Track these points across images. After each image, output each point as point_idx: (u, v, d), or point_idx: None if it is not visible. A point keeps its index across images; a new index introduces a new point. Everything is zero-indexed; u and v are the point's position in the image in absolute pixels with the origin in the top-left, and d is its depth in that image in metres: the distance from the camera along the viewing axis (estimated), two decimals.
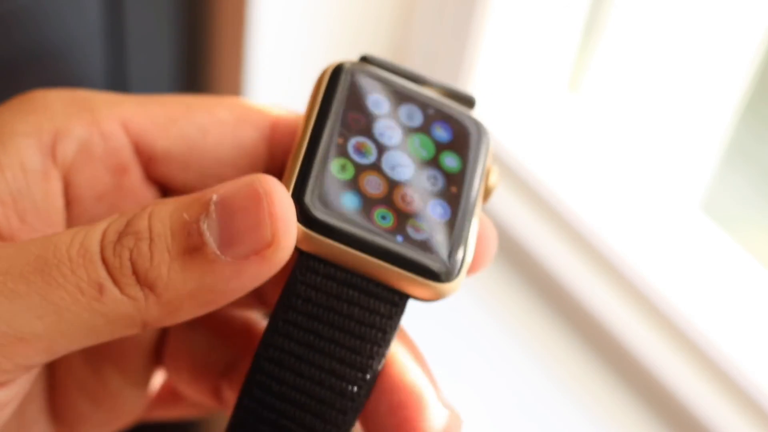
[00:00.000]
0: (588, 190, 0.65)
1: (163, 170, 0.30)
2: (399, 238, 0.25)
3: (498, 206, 0.67)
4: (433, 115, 0.27)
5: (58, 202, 0.29)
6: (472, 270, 0.28)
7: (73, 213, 0.29)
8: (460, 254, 0.26)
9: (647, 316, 0.61)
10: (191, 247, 0.24)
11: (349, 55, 0.69)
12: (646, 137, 0.66)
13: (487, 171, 0.28)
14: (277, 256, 0.24)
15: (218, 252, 0.24)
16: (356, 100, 0.27)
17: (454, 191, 0.26)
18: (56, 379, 0.30)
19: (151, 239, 0.24)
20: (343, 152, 0.27)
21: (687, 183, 0.65)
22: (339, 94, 0.28)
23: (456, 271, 0.26)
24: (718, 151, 0.63)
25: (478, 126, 0.28)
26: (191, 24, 0.66)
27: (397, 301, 0.26)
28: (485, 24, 0.64)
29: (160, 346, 0.33)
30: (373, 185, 0.26)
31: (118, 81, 0.64)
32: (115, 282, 0.24)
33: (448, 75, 0.68)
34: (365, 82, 0.28)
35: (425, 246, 0.26)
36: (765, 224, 0.65)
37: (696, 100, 0.63)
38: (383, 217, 0.26)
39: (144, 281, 0.24)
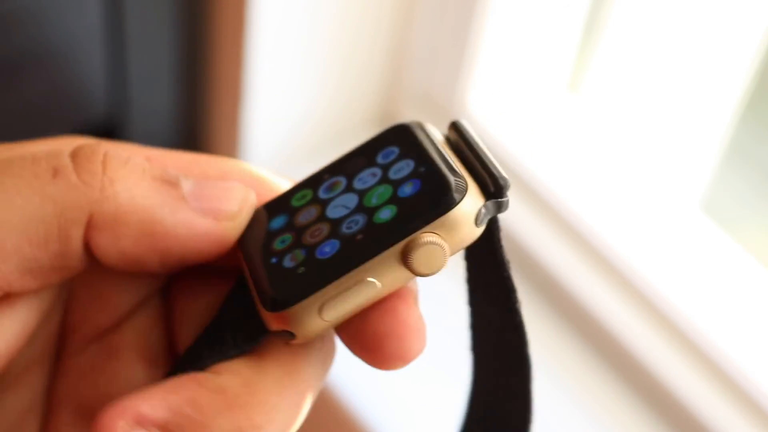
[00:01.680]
0: (588, 190, 0.65)
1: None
2: (273, 260, 0.25)
3: None
4: (418, 173, 0.25)
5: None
6: (378, 362, 0.25)
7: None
8: (297, 291, 0.24)
9: (647, 315, 0.61)
10: (166, 179, 0.24)
11: (350, 56, 0.69)
12: (646, 137, 0.66)
13: (417, 242, 0.24)
14: (230, 225, 0.25)
15: (186, 194, 0.24)
16: (376, 148, 0.27)
17: (357, 239, 0.25)
18: (56, 396, 0.29)
19: (130, 155, 0.24)
20: (317, 184, 0.27)
21: (687, 183, 0.65)
22: (372, 142, 0.28)
23: (281, 304, 0.24)
24: (718, 151, 0.63)
25: (450, 192, 0.24)
26: (191, 24, 0.66)
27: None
28: (485, 24, 0.64)
29: (172, 336, 0.31)
30: (305, 215, 0.26)
31: (118, 81, 0.64)
32: (76, 166, 0.23)
33: (448, 75, 0.68)
34: (408, 138, 0.27)
35: (282, 274, 0.25)
36: (765, 224, 0.65)
37: (696, 100, 0.63)
38: (282, 241, 0.26)
39: (109, 173, 0.24)
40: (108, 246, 0.24)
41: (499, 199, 0.25)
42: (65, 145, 0.25)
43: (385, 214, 0.25)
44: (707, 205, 0.64)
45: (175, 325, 0.28)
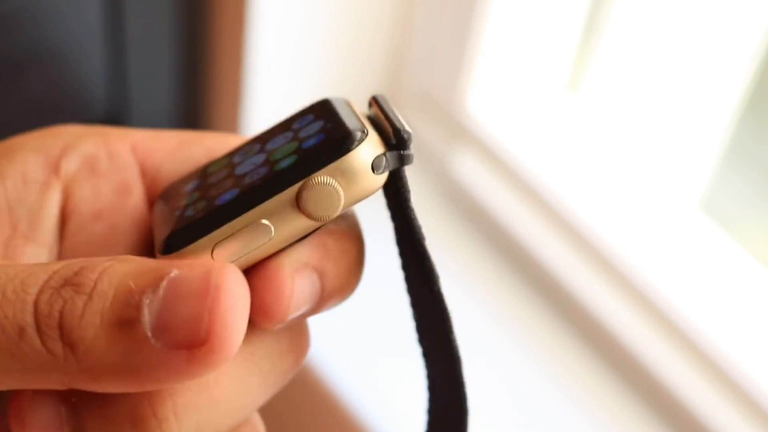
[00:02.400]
0: (588, 190, 0.65)
1: None
2: (176, 213, 0.26)
3: (498, 206, 0.67)
4: (324, 128, 0.25)
5: (53, 212, 0.28)
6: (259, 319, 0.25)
7: (70, 228, 0.28)
8: (189, 234, 0.25)
9: (647, 315, 0.61)
10: (125, 319, 0.22)
11: (350, 56, 0.69)
12: (646, 137, 0.66)
13: (309, 183, 0.24)
14: (209, 359, 0.22)
15: (149, 334, 0.22)
16: (295, 118, 0.27)
17: (255, 184, 0.25)
18: None
19: (90, 297, 0.22)
20: (234, 153, 0.28)
21: (687, 183, 0.65)
22: (294, 114, 0.28)
23: (172, 247, 0.25)
24: (718, 151, 0.63)
25: (346, 138, 0.24)
26: (191, 24, 0.66)
27: None
28: (485, 24, 0.64)
29: None
30: (216, 176, 0.27)
31: (118, 81, 0.64)
32: (39, 330, 0.22)
33: (448, 75, 0.68)
34: (326, 107, 0.27)
35: (180, 222, 0.25)
36: (765, 224, 0.65)
37: (696, 100, 0.63)
38: (190, 198, 0.26)
39: (67, 339, 0.22)
40: (93, 389, 0.23)
41: (401, 151, 0.25)
42: (35, 274, 0.23)
43: (285, 162, 0.25)
44: (707, 205, 0.64)
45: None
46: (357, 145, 0.24)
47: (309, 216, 0.24)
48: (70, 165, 0.28)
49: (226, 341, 0.22)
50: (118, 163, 0.29)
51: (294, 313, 0.25)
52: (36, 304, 0.22)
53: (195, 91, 0.70)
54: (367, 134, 0.25)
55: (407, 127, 0.25)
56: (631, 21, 0.64)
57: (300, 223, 0.25)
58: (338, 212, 0.24)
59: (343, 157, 0.24)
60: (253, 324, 0.25)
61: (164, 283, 0.22)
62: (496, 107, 0.69)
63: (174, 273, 0.22)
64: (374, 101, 0.27)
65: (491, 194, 0.68)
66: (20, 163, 0.28)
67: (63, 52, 0.60)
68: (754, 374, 0.57)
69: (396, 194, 0.26)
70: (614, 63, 0.66)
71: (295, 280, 0.25)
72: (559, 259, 0.65)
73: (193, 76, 0.69)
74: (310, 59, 0.67)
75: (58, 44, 0.60)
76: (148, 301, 0.22)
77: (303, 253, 0.26)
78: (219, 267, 0.22)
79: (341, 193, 0.24)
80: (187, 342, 0.22)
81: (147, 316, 0.22)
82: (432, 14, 0.67)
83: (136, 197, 0.29)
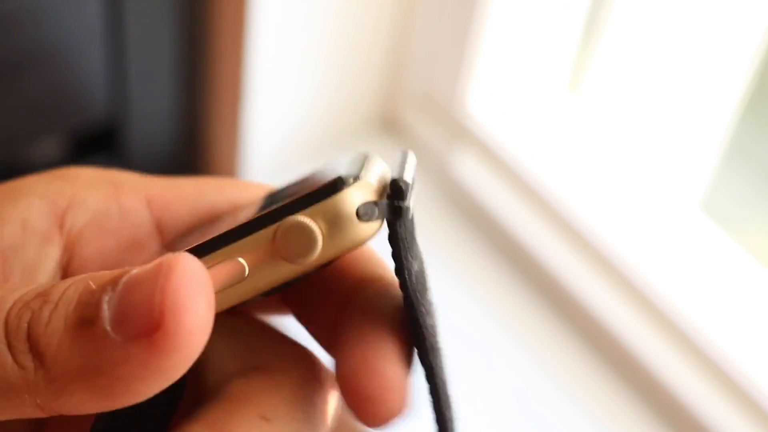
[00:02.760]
0: (588, 190, 0.65)
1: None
2: (170, 249, 0.26)
3: (498, 206, 0.67)
4: (326, 177, 0.24)
5: (50, 268, 0.27)
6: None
7: None
8: None
9: (647, 315, 0.61)
10: (85, 319, 0.21)
11: (350, 56, 0.69)
12: (646, 137, 0.66)
13: (287, 222, 0.23)
14: (167, 342, 0.20)
15: (108, 328, 0.21)
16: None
17: (241, 223, 0.24)
18: None
19: (56, 304, 0.22)
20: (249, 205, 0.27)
21: (687, 183, 0.65)
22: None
23: None
24: (718, 151, 0.63)
25: (334, 182, 0.23)
26: (191, 24, 0.66)
27: None
28: (485, 24, 0.64)
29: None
30: (220, 221, 0.26)
31: (118, 81, 0.64)
32: (9, 345, 0.21)
33: (448, 75, 0.68)
34: (349, 159, 0.26)
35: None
36: (765, 224, 0.65)
37: (696, 100, 0.63)
38: (188, 238, 0.26)
39: (35, 349, 0.21)
40: (70, 411, 0.22)
41: (395, 202, 0.23)
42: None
43: (274, 206, 0.24)
44: (707, 205, 0.64)
45: None
46: (343, 189, 0.23)
47: (284, 257, 0.23)
48: (76, 220, 0.27)
49: (182, 321, 0.21)
50: (130, 219, 0.27)
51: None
52: (7, 319, 0.22)
53: (195, 91, 0.70)
54: (356, 179, 0.23)
55: (407, 178, 0.23)
56: (631, 21, 0.64)
57: (275, 266, 0.23)
58: (315, 256, 0.23)
59: (326, 200, 0.23)
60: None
61: (123, 279, 0.21)
62: (496, 107, 0.69)
63: (134, 271, 0.22)
64: (401, 156, 0.25)
65: (491, 194, 0.68)
66: (23, 208, 0.26)
67: (63, 52, 0.60)
68: (754, 374, 0.57)
69: (392, 248, 0.23)
70: (614, 63, 0.66)
71: (392, 369, 0.24)
72: (559, 259, 0.65)
73: (193, 76, 0.69)
74: (310, 59, 0.67)
75: (58, 44, 0.60)
76: (107, 298, 0.21)
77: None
78: (174, 254, 0.21)
79: (318, 235, 0.23)
80: (144, 328, 0.21)
81: (106, 312, 0.21)
82: (432, 14, 0.67)
83: (149, 253, 0.28)
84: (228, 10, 0.63)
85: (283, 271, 0.23)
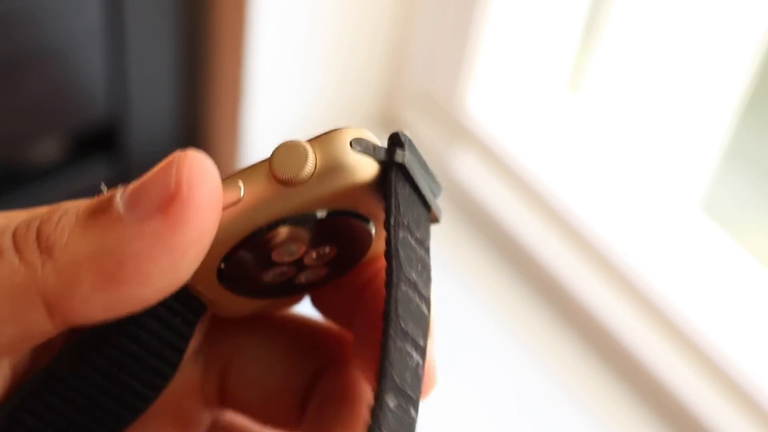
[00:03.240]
0: (588, 190, 0.65)
1: None
2: None
3: (497, 205, 0.67)
4: None
5: None
6: None
7: None
8: None
9: (647, 315, 0.61)
10: (98, 209, 0.22)
11: (350, 56, 0.69)
12: (646, 137, 0.66)
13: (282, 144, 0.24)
14: (181, 212, 0.21)
15: (122, 212, 0.22)
16: None
17: None
18: None
19: (65, 211, 0.22)
20: None
21: (687, 183, 0.65)
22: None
23: None
24: (718, 151, 0.63)
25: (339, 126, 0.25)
26: (191, 24, 0.66)
27: None
28: (485, 24, 0.64)
29: (222, 384, 0.31)
30: None
31: (118, 81, 0.64)
32: (17, 248, 0.22)
33: (448, 75, 0.68)
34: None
35: None
36: (765, 224, 0.65)
37: (696, 100, 0.63)
38: None
39: (44, 245, 0.22)
40: (81, 309, 0.22)
41: (390, 148, 0.24)
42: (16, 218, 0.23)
43: None
44: (707, 205, 0.64)
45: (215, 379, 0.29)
46: (344, 128, 0.24)
47: (278, 179, 0.23)
48: None
49: (195, 192, 0.22)
50: None
51: None
52: (16, 229, 0.22)
53: (195, 91, 0.70)
54: (362, 132, 0.24)
55: (406, 132, 0.24)
56: (631, 21, 0.64)
57: (268, 186, 0.23)
58: (304, 173, 0.23)
59: (327, 133, 0.24)
60: None
61: (133, 182, 0.22)
62: (496, 107, 0.69)
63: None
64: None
65: (491, 194, 0.68)
66: None
67: (63, 52, 0.60)
68: (754, 374, 0.57)
69: (384, 199, 0.24)
70: (614, 63, 0.66)
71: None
72: (559, 258, 0.65)
73: (193, 76, 0.69)
74: (310, 59, 0.67)
75: (58, 44, 0.60)
76: (120, 192, 0.22)
77: None
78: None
79: (310, 153, 0.23)
80: (159, 204, 0.22)
81: (119, 202, 0.22)
82: (432, 14, 0.67)
83: None
84: (228, 10, 0.63)
85: (274, 190, 0.23)
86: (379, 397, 0.22)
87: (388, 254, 0.23)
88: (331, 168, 0.23)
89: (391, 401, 0.23)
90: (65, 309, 0.22)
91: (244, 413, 0.30)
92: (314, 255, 0.25)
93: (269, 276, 0.25)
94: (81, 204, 0.23)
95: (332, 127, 0.24)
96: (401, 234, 0.24)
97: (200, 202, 0.22)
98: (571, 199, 0.65)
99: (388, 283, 0.23)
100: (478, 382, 0.62)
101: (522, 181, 0.66)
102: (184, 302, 0.26)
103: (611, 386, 0.62)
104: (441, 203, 0.27)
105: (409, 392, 0.23)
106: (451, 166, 0.69)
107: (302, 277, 0.26)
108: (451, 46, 0.67)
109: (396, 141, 0.24)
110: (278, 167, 0.23)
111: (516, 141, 0.67)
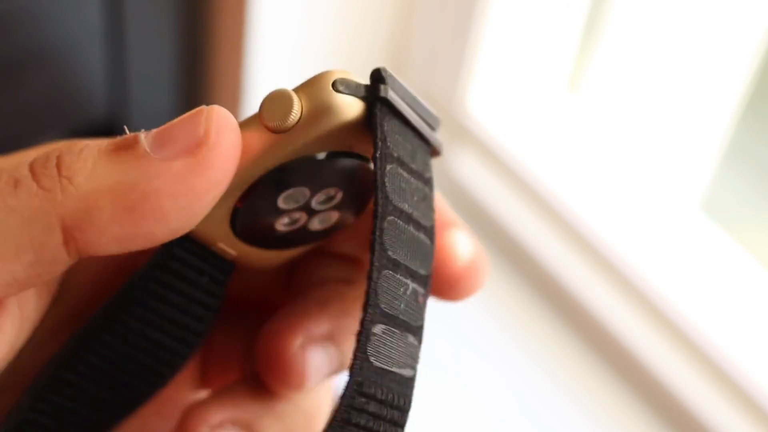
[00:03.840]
0: (588, 190, 0.65)
1: None
2: None
3: (497, 205, 0.67)
4: None
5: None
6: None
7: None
8: None
9: (647, 315, 0.61)
10: (123, 145, 0.23)
11: (350, 55, 0.69)
12: (646, 137, 0.66)
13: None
14: (207, 155, 0.22)
15: (149, 149, 0.22)
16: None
17: None
18: None
19: (87, 144, 0.23)
20: None
21: (687, 183, 0.65)
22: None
23: None
24: (718, 151, 0.63)
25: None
26: (191, 24, 0.66)
27: None
28: (485, 24, 0.64)
29: (203, 377, 0.31)
30: None
31: (118, 81, 0.64)
32: (33, 175, 0.22)
33: (448, 75, 0.68)
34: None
35: None
36: (765, 224, 0.65)
37: (696, 100, 0.63)
38: None
39: (65, 174, 0.22)
40: (95, 238, 0.23)
41: (373, 84, 0.24)
42: (36, 153, 0.24)
43: None
44: (707, 205, 0.64)
45: None
46: (326, 71, 0.24)
47: (266, 125, 0.24)
48: None
49: (223, 139, 0.22)
50: None
51: (309, 385, 0.27)
52: (33, 161, 0.23)
53: (195, 91, 0.70)
54: (347, 74, 0.25)
55: (386, 68, 0.25)
56: (631, 21, 0.64)
57: (262, 136, 0.24)
58: (291, 119, 0.24)
59: (312, 77, 0.24)
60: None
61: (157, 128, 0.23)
62: (496, 107, 0.69)
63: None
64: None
65: (491, 194, 0.68)
66: None
67: (63, 52, 0.60)
68: (754, 374, 0.57)
69: (372, 133, 0.25)
70: (614, 63, 0.66)
71: (307, 355, 0.26)
72: (560, 258, 0.65)
73: (193, 76, 0.69)
74: (310, 59, 0.67)
75: (58, 44, 0.60)
76: (144, 134, 0.23)
77: (317, 325, 0.27)
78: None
79: (295, 98, 0.24)
80: (187, 146, 0.22)
81: (144, 140, 0.23)
82: (432, 14, 0.67)
83: None
84: (228, 10, 0.63)
85: (264, 138, 0.24)
86: (363, 323, 0.23)
87: (375, 185, 0.24)
88: (317, 110, 0.24)
89: (376, 328, 0.23)
90: (81, 237, 0.22)
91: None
92: (321, 198, 0.26)
93: (282, 225, 0.26)
94: (103, 141, 0.23)
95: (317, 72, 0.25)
96: (389, 166, 0.24)
97: (225, 149, 0.23)
98: (571, 199, 0.65)
99: (375, 214, 0.24)
100: (476, 381, 0.62)
101: (522, 182, 0.66)
102: (209, 261, 0.27)
103: (611, 386, 0.62)
104: None
105: (403, 318, 0.24)
106: (451, 166, 0.69)
107: (315, 223, 0.27)
108: (451, 46, 0.67)
109: (378, 77, 0.24)
110: (267, 116, 0.24)
111: (516, 141, 0.67)
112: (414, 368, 0.24)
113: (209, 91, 0.69)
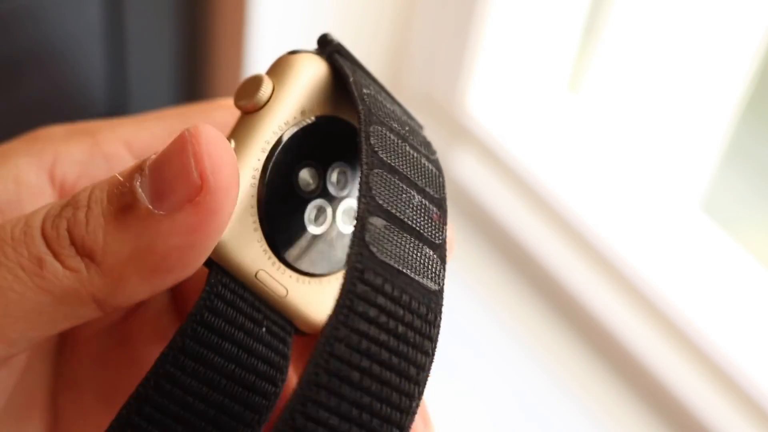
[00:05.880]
0: (588, 190, 0.65)
1: None
2: None
3: (498, 205, 0.67)
4: None
5: None
6: None
7: None
8: None
9: (647, 315, 0.61)
10: (124, 207, 0.23)
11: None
12: (646, 137, 0.66)
13: None
14: (212, 200, 0.22)
15: (150, 206, 0.22)
16: None
17: None
18: (66, 423, 0.29)
19: (88, 206, 0.23)
20: None
21: (687, 183, 0.65)
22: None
23: None
24: (718, 151, 0.63)
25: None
26: (191, 24, 0.66)
27: None
28: (485, 24, 0.64)
29: None
30: None
31: (118, 81, 0.64)
32: (55, 255, 0.23)
33: (448, 75, 0.68)
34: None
35: None
36: (765, 224, 0.65)
37: (696, 100, 0.63)
38: None
39: (82, 250, 0.23)
40: (125, 299, 0.23)
41: (322, 42, 0.25)
42: (32, 216, 0.24)
43: None
44: (707, 205, 0.64)
45: (186, 304, 0.29)
46: (292, 52, 0.26)
47: (245, 108, 0.24)
48: (66, 172, 0.28)
49: (222, 176, 0.22)
50: (115, 164, 0.28)
51: None
52: (43, 232, 0.23)
53: (195, 91, 0.70)
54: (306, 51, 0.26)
55: (331, 34, 0.26)
56: (631, 21, 0.64)
57: (248, 121, 0.24)
58: (264, 91, 0.24)
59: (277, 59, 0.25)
60: None
61: (147, 163, 0.23)
62: (496, 107, 0.69)
63: (153, 156, 0.23)
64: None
65: (491, 194, 0.68)
66: (13, 166, 0.27)
67: (63, 52, 0.60)
68: (754, 374, 0.57)
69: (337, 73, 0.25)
70: (614, 63, 0.66)
71: None
72: (560, 258, 0.65)
73: (193, 76, 0.69)
74: None
75: (58, 44, 0.60)
76: (138, 183, 0.23)
77: None
78: (191, 126, 0.23)
79: (262, 76, 0.25)
80: (187, 194, 0.22)
81: (142, 195, 0.22)
82: (432, 14, 0.67)
83: None
84: (228, 10, 0.63)
85: (258, 123, 0.24)
86: (358, 213, 0.22)
87: (355, 103, 0.24)
88: (285, 75, 0.25)
89: (374, 219, 0.22)
90: (113, 301, 0.23)
91: None
92: (334, 178, 0.26)
93: (311, 222, 0.26)
94: (101, 197, 0.23)
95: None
96: (365, 90, 0.25)
97: (226, 185, 0.22)
98: (571, 199, 0.65)
99: (359, 122, 0.23)
100: (476, 381, 0.62)
101: (522, 182, 0.66)
102: (260, 309, 0.25)
103: (611, 385, 0.62)
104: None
105: (410, 223, 0.23)
106: (451, 166, 0.69)
107: (341, 218, 0.26)
108: (451, 46, 0.67)
109: (325, 39, 0.26)
110: (242, 100, 0.24)
111: (516, 141, 0.67)
112: (438, 284, 0.23)
113: (209, 90, 0.69)
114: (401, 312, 0.21)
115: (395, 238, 0.22)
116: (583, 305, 0.63)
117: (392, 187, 0.23)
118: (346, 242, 0.26)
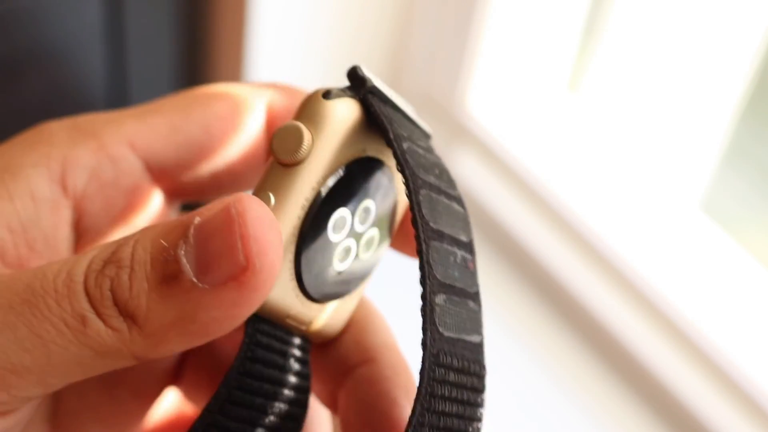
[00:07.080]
0: (588, 190, 0.65)
1: (174, 179, 0.30)
2: None
3: (498, 205, 0.67)
4: None
5: (66, 231, 0.28)
6: None
7: (86, 241, 0.29)
8: None
9: (647, 315, 0.61)
10: (168, 276, 0.23)
11: (350, 56, 0.69)
12: (646, 137, 0.66)
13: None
14: (255, 280, 0.22)
15: (195, 280, 0.23)
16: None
17: None
18: (66, 404, 0.30)
19: (131, 268, 0.23)
20: None
21: (687, 183, 0.65)
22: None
23: None
24: (718, 151, 0.63)
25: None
26: (191, 24, 0.66)
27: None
28: (485, 24, 0.64)
29: (180, 366, 0.32)
30: None
31: (118, 81, 0.64)
32: (98, 313, 0.23)
33: (448, 75, 0.68)
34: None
35: None
36: (765, 224, 0.65)
37: (696, 100, 0.63)
38: None
39: (125, 312, 0.23)
40: (161, 355, 0.24)
41: (355, 82, 0.25)
42: (72, 263, 0.24)
43: None
44: (707, 205, 0.64)
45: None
46: (309, 92, 0.25)
47: (286, 163, 0.24)
48: (77, 182, 0.28)
49: (267, 259, 0.22)
50: (122, 167, 0.29)
51: None
52: (86, 289, 0.23)
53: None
54: (336, 90, 0.25)
55: (361, 67, 0.25)
56: (631, 21, 0.64)
57: (289, 176, 0.24)
58: (306, 144, 0.24)
59: (300, 105, 0.25)
60: None
61: (191, 231, 0.23)
62: (496, 107, 0.69)
63: (197, 220, 0.23)
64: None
65: (491, 194, 0.68)
66: (25, 181, 0.28)
67: (63, 52, 0.60)
68: (754, 374, 0.57)
69: (377, 123, 0.25)
70: (614, 63, 0.66)
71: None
72: (560, 259, 0.65)
73: (193, 76, 0.69)
74: (310, 60, 0.67)
75: (58, 44, 0.60)
76: (183, 251, 0.23)
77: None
78: (235, 197, 0.23)
79: (302, 127, 0.24)
80: (231, 273, 0.22)
81: (186, 266, 0.23)
82: (432, 14, 0.67)
83: (147, 192, 0.29)
84: (228, 9, 0.63)
85: (300, 177, 0.24)
86: (424, 297, 0.23)
87: (399, 164, 0.24)
88: (323, 126, 0.24)
89: (438, 298, 0.23)
90: (152, 356, 0.24)
91: (199, 400, 0.32)
92: (361, 216, 0.26)
93: (339, 261, 0.26)
94: (144, 258, 0.23)
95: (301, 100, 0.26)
96: (405, 144, 0.25)
97: (270, 267, 0.23)
98: (571, 199, 0.65)
99: (408, 190, 0.24)
100: None
101: (522, 181, 0.66)
102: (288, 342, 0.27)
103: (611, 386, 0.62)
104: None
105: (459, 286, 0.25)
106: (451, 166, 0.69)
107: (364, 248, 0.27)
108: (451, 46, 0.67)
109: (356, 75, 0.25)
110: (283, 155, 0.24)
111: (516, 141, 0.67)
112: (480, 333, 0.25)
113: None
114: (465, 379, 0.24)
115: (452, 308, 0.24)
116: (583, 305, 0.63)
117: (443, 254, 0.24)
118: (364, 266, 0.27)
